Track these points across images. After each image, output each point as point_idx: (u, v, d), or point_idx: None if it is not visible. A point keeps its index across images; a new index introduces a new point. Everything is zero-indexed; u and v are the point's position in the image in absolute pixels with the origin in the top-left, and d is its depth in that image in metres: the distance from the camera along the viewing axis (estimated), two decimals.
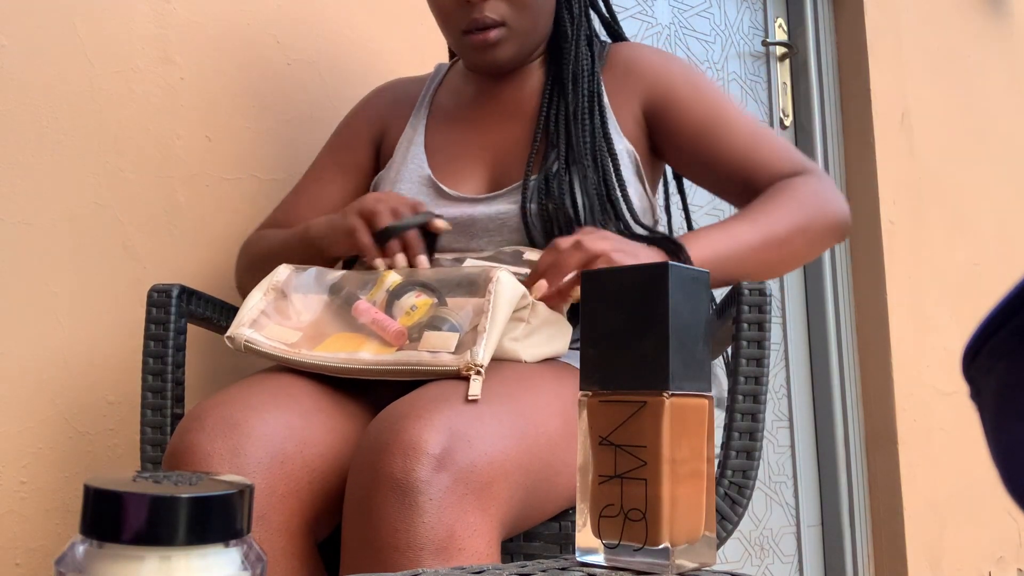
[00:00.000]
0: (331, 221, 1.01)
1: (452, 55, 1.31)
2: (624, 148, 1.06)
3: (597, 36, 1.17)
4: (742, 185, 1.05)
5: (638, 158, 1.08)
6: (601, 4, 1.18)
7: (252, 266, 1.13)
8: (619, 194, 1.03)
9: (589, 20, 1.14)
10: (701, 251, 0.94)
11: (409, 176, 1.10)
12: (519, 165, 1.06)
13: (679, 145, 1.08)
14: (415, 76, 1.27)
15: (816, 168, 1.06)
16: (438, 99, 1.19)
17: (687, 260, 0.93)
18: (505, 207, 1.03)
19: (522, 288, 0.86)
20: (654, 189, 1.13)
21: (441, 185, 1.08)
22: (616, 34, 1.20)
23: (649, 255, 0.91)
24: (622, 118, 1.08)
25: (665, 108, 1.08)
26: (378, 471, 0.70)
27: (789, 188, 1.02)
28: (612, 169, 1.04)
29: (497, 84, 1.14)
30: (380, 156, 1.21)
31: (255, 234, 1.18)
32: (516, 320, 0.88)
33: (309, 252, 1.04)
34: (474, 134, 1.12)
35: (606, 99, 1.08)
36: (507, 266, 0.94)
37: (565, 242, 0.89)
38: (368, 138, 1.21)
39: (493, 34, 1.05)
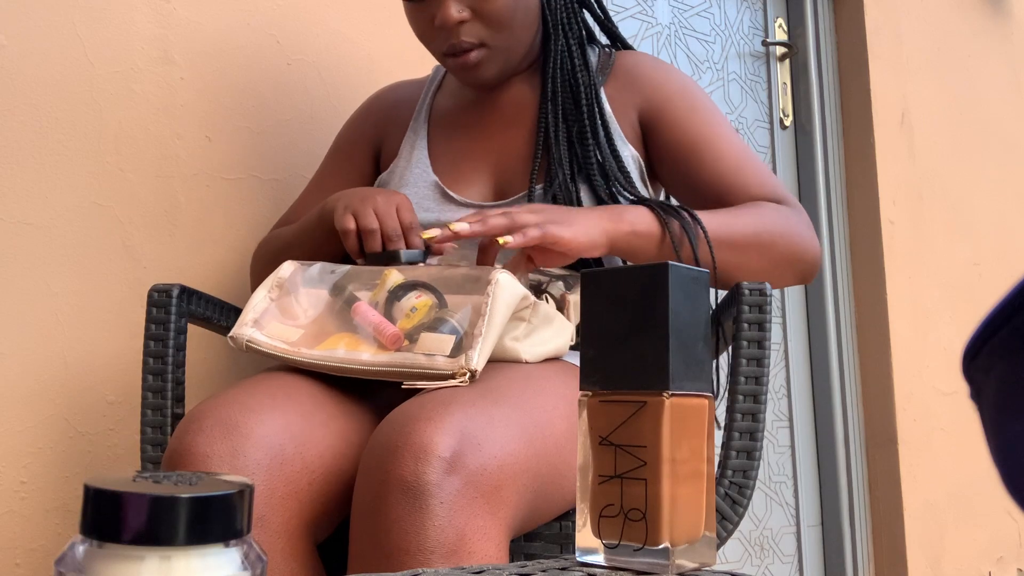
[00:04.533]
0: (339, 201, 1.00)
1: None
2: (630, 154, 1.06)
3: (598, 43, 1.16)
4: (716, 204, 1.03)
5: (643, 164, 1.08)
6: (594, 4, 1.16)
7: (269, 264, 1.12)
8: (627, 201, 1.03)
9: (579, 25, 1.12)
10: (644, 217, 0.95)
11: (415, 180, 1.10)
12: (522, 173, 1.06)
13: (666, 160, 1.07)
14: (413, 79, 1.27)
15: (795, 201, 1.03)
16: (438, 103, 1.19)
17: (671, 216, 0.94)
18: None
19: (523, 289, 0.86)
20: (658, 194, 1.13)
21: (448, 191, 1.08)
22: (612, 34, 1.18)
23: (590, 219, 0.91)
24: (624, 126, 1.08)
25: (658, 121, 1.07)
26: (388, 473, 0.70)
27: (759, 206, 1.00)
28: (621, 178, 1.03)
29: (494, 91, 1.14)
30: (380, 161, 1.20)
31: (265, 238, 1.18)
32: (517, 319, 0.88)
33: (326, 229, 1.02)
34: (476, 140, 1.12)
35: (607, 106, 1.08)
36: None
37: (495, 209, 0.90)
38: (367, 146, 1.21)
39: (472, 56, 1.04)
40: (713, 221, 0.96)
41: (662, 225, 0.94)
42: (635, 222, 0.94)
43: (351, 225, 0.94)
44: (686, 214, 0.95)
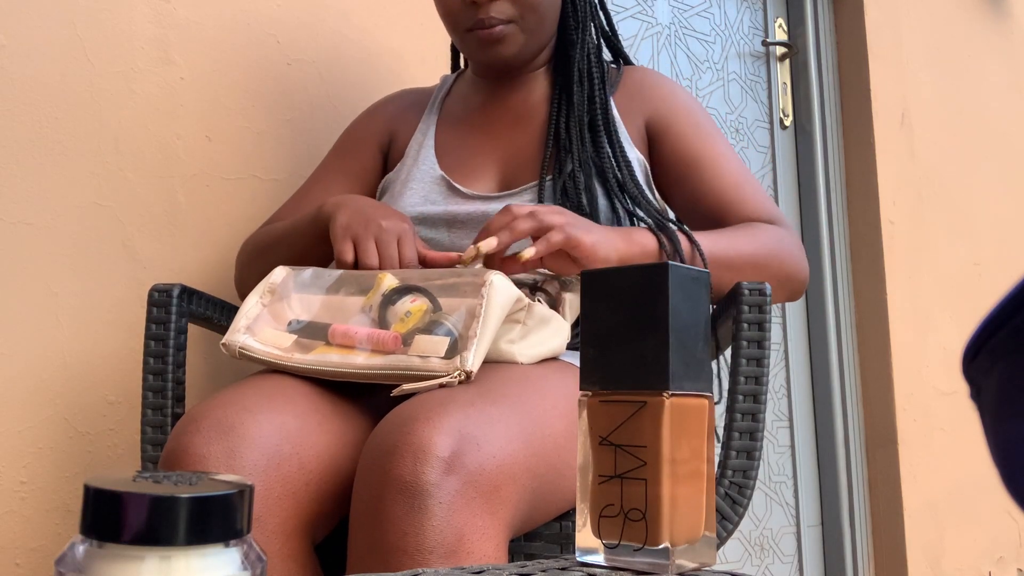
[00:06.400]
0: (338, 213, 0.98)
1: (454, 59, 1.31)
2: (635, 157, 1.09)
3: (603, 59, 1.18)
4: (714, 222, 1.07)
5: (648, 169, 1.11)
6: (601, 16, 1.19)
7: (255, 258, 1.11)
8: (635, 195, 1.05)
9: (595, 26, 1.15)
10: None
11: (421, 176, 1.11)
12: (530, 168, 1.08)
13: (668, 171, 1.10)
14: (421, 87, 1.28)
15: (788, 223, 1.08)
16: (447, 106, 1.21)
17: (671, 243, 0.96)
18: None
19: (516, 291, 0.86)
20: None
21: (454, 183, 1.09)
22: (616, 49, 1.21)
23: (607, 234, 0.93)
24: (631, 132, 1.11)
25: (664, 132, 1.10)
26: (387, 474, 0.70)
27: (755, 227, 1.04)
28: (627, 174, 1.06)
29: (505, 90, 1.16)
30: (388, 161, 1.21)
31: (255, 233, 1.17)
32: (512, 322, 0.88)
33: (319, 233, 1.01)
34: (484, 137, 1.13)
35: (615, 110, 1.11)
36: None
37: (520, 209, 0.90)
38: (375, 144, 1.21)
39: (498, 30, 1.06)
40: (711, 242, 0.99)
41: (661, 248, 0.97)
42: (644, 244, 0.96)
43: (349, 258, 0.93)
44: (684, 236, 0.98)
